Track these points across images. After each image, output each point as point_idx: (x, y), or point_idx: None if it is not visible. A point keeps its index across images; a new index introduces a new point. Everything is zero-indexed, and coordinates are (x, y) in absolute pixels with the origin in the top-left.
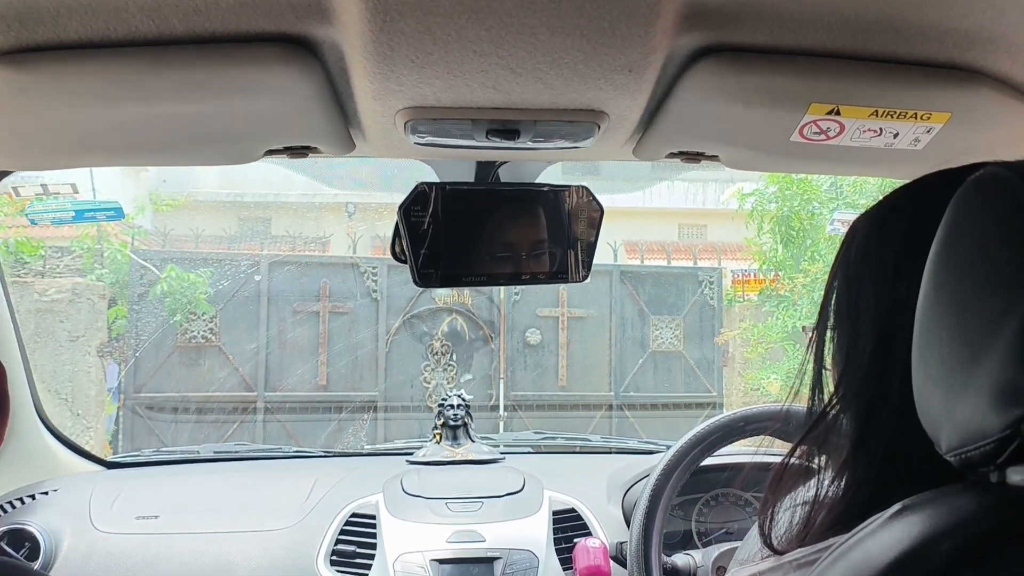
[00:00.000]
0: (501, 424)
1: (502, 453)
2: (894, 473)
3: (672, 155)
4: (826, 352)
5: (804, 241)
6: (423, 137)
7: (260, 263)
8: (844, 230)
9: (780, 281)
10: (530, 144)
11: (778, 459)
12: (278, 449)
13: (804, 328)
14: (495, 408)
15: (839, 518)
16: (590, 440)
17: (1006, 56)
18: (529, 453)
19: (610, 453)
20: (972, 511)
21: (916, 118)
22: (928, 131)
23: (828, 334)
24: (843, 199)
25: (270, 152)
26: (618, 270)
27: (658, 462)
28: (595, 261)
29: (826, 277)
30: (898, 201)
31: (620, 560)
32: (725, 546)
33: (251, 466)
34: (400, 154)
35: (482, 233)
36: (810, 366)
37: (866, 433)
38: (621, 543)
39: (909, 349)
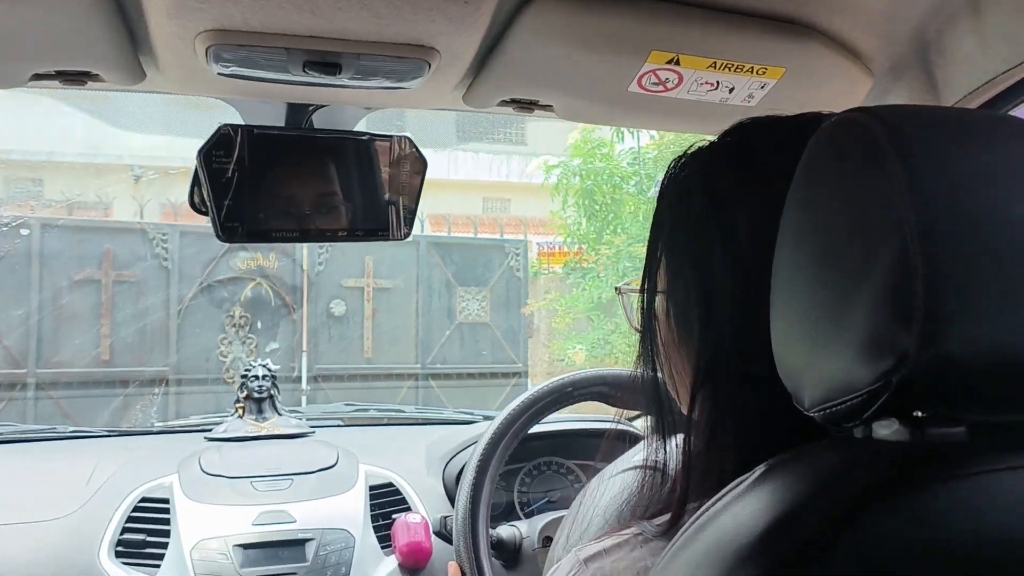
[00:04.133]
0: (304, 398)
1: (311, 427)
2: (752, 434)
3: (504, 103)
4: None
5: (607, 215)
6: (228, 67)
7: (31, 224)
8: None
9: (584, 254)
10: (352, 82)
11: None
12: (52, 429)
13: (618, 289)
14: (297, 380)
15: (695, 487)
16: (404, 411)
17: (839, 13)
18: (340, 426)
19: (425, 424)
20: (842, 469)
21: (753, 72)
22: (762, 87)
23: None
24: (645, 172)
25: (38, 77)
26: (425, 240)
27: (485, 431)
28: None
29: (631, 249)
30: (721, 152)
31: (444, 535)
32: (551, 515)
33: (19, 449)
34: (200, 89)
35: (294, 184)
36: (624, 327)
37: (730, 397)
38: (445, 517)
39: (765, 303)
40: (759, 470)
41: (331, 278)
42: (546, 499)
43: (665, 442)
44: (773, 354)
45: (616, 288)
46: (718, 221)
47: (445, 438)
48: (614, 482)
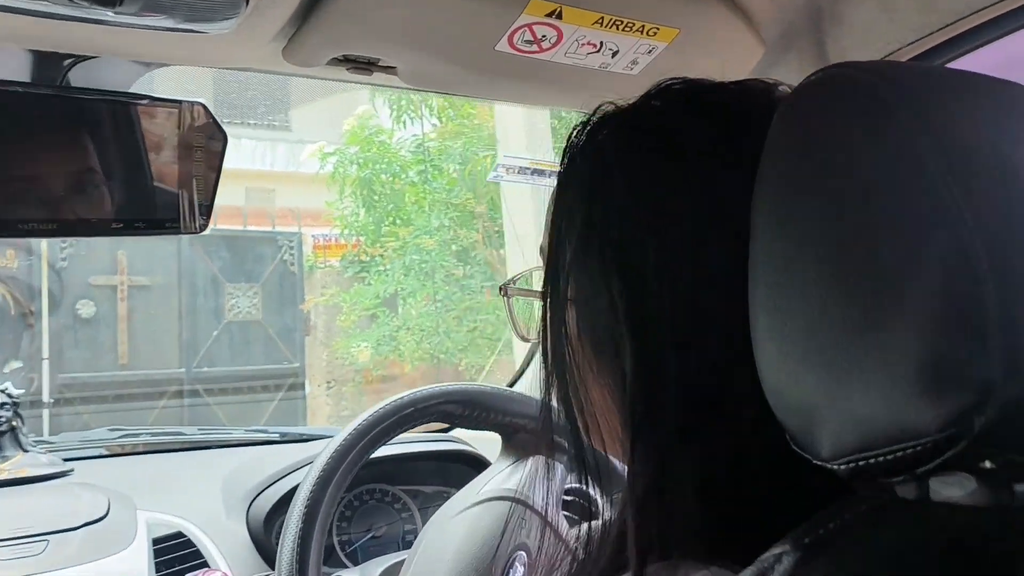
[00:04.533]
0: (46, 416)
1: (67, 461)
2: (717, 487)
3: (336, 61)
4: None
5: (387, 205)
6: None
7: None
8: (509, 177)
9: (363, 246)
10: (136, 20)
11: (450, 447)
12: None
13: (502, 289)
14: (38, 403)
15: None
16: (184, 433)
17: None
18: (105, 457)
19: (213, 447)
20: (934, 557)
21: (643, 32)
22: (649, 51)
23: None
24: (430, 160)
25: None
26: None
27: (310, 468)
28: None
29: (417, 242)
30: (643, 121)
31: None
32: (389, 560)
33: None
34: None
35: (47, 160)
36: (411, 322)
37: (680, 436)
38: None
39: (725, 313)
40: (786, 557)
41: (77, 275)
42: (370, 535)
43: (587, 482)
44: (761, 383)
45: (500, 288)
46: (649, 208)
47: (244, 469)
48: (461, 521)
